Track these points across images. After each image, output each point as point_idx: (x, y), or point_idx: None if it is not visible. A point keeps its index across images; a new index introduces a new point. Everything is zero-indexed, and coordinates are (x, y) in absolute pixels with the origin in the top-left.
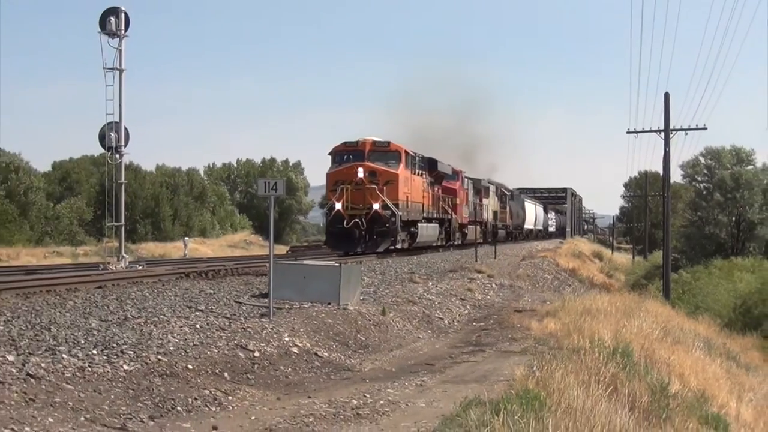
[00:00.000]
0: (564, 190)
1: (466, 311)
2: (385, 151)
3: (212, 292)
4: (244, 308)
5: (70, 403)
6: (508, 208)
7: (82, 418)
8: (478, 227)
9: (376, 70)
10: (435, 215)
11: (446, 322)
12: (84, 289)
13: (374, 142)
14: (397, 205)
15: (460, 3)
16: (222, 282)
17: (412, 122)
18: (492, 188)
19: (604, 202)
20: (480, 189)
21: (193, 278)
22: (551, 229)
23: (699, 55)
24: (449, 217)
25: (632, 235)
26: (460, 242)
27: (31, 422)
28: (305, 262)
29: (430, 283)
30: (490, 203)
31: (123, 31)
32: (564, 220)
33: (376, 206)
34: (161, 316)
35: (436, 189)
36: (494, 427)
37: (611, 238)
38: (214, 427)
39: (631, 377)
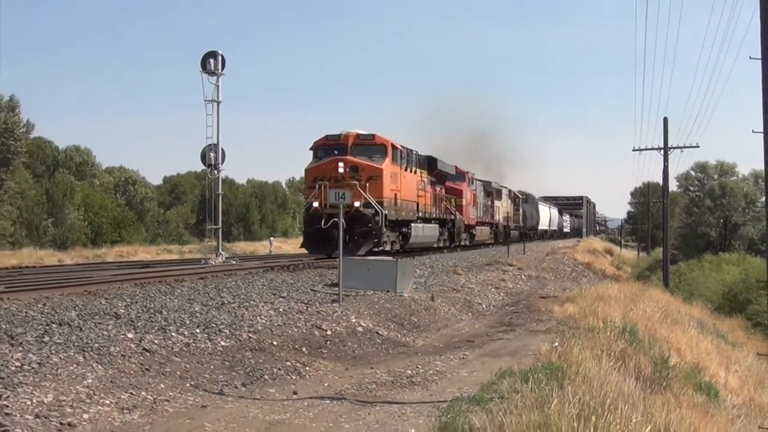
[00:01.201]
0: (581, 198)
1: (500, 297)
2: (369, 145)
3: (293, 282)
4: (318, 295)
5: (178, 372)
6: (521, 210)
7: (188, 385)
8: (489, 228)
9: (405, 95)
10: (435, 215)
11: (484, 306)
12: (189, 279)
13: (358, 135)
14: (381, 203)
15: (482, 43)
16: (300, 274)
17: (439, 141)
18: (504, 191)
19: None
20: (491, 191)
21: (277, 271)
22: (566, 229)
23: (693, 84)
24: (453, 217)
25: (637, 234)
26: (467, 243)
27: (146, 387)
28: (368, 257)
29: (471, 275)
30: (503, 205)
31: (220, 70)
32: (581, 223)
33: (357, 204)
34: (251, 302)
35: (437, 189)
36: (524, 393)
37: (620, 238)
38: (295, 392)
39: (637, 352)
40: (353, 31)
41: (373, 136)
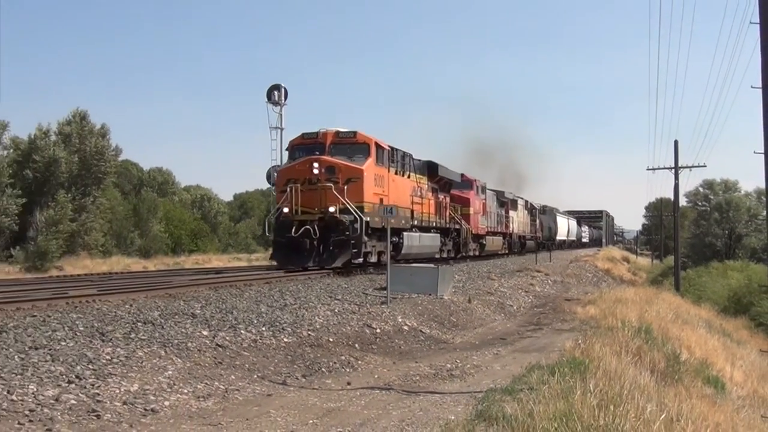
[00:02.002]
0: (601, 212)
1: (529, 300)
2: (350, 144)
3: (346, 286)
4: (369, 298)
5: (247, 365)
6: (538, 221)
7: (255, 376)
8: (501, 238)
9: (434, 117)
10: (436, 224)
11: (515, 308)
12: (256, 284)
13: (337, 133)
14: (361, 209)
15: (510, 71)
16: (353, 279)
17: (464, 158)
18: (521, 202)
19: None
20: (505, 201)
21: (332, 276)
22: (584, 240)
23: (701, 108)
24: (458, 226)
25: (651, 244)
26: (476, 253)
27: (219, 378)
28: (412, 264)
29: (503, 280)
30: (518, 216)
31: (283, 101)
32: (600, 234)
33: (332, 209)
34: (310, 303)
35: (440, 196)
36: (551, 384)
37: (636, 247)
38: (348, 383)
39: (651, 348)
40: (400, 62)
41: (355, 133)
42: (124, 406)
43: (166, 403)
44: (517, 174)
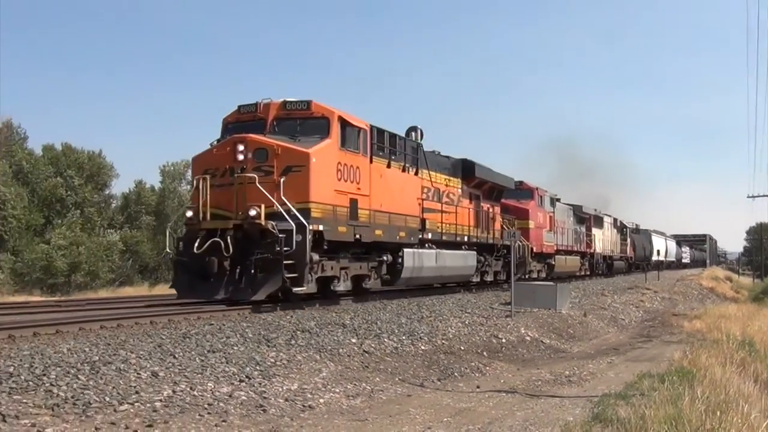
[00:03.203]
0: (704, 236)
1: (639, 314)
2: (303, 118)
3: (475, 301)
4: (495, 311)
5: (389, 369)
6: (629, 240)
7: (396, 379)
8: (578, 257)
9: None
10: (472, 238)
11: (626, 321)
12: (396, 299)
13: (285, 104)
14: (307, 211)
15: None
16: (481, 294)
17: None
18: (608, 219)
19: (732, 241)
20: (586, 217)
21: (463, 292)
22: (685, 260)
23: None
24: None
25: (752, 264)
26: (542, 274)
27: (365, 380)
28: (533, 282)
29: (615, 296)
30: (604, 234)
31: (420, 139)
32: (704, 255)
33: (252, 213)
34: (443, 316)
35: (483, 205)
36: (661, 391)
37: (738, 267)
38: (478, 386)
39: (754, 360)
40: (516, 106)
41: (308, 103)
42: (286, 402)
43: (321, 400)
44: (618, 201)
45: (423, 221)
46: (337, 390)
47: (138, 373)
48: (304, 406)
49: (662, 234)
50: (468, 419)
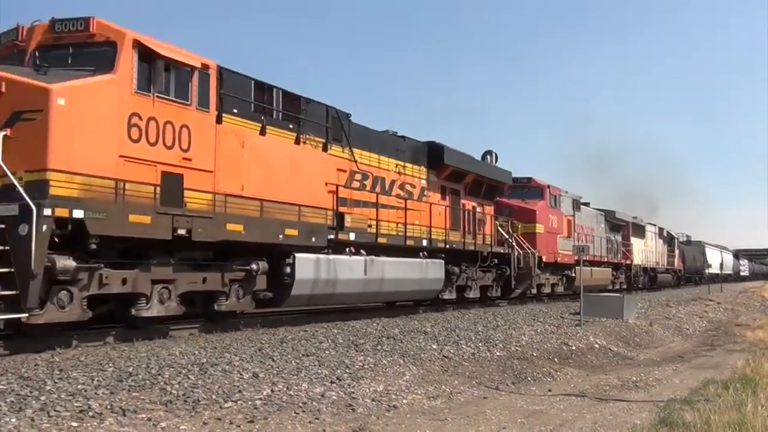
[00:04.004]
0: (766, 250)
1: (703, 324)
2: (80, 44)
3: (546, 311)
4: (565, 320)
5: (467, 373)
6: (678, 251)
7: (473, 382)
8: (610, 269)
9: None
10: (439, 243)
11: (690, 331)
12: (474, 308)
13: (54, 25)
14: (43, 185)
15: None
16: (552, 305)
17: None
18: (651, 229)
19: None
20: (622, 225)
21: (536, 302)
22: (743, 273)
23: None
24: (508, 252)
25: None
26: (558, 288)
27: (445, 383)
28: (601, 294)
29: (679, 307)
30: (647, 244)
31: (495, 161)
32: (764, 269)
33: None
34: (517, 324)
35: (462, 202)
36: (724, 397)
37: None
38: (549, 390)
39: None
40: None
41: (85, 21)
42: (373, 402)
43: (405, 401)
44: (674, 217)
45: (339, 216)
46: (419, 392)
47: (241, 374)
48: (389, 406)
49: (717, 246)
50: (540, 421)
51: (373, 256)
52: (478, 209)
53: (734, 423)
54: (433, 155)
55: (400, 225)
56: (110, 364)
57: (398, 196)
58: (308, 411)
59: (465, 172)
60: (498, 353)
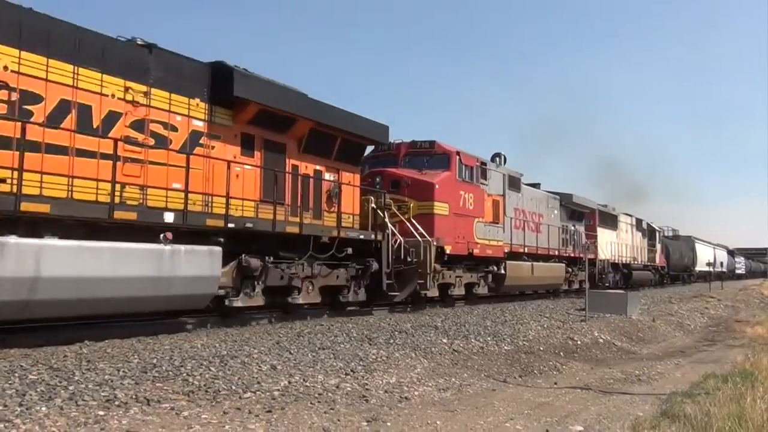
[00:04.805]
0: (765, 249)
1: (704, 320)
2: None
3: (553, 307)
4: (570, 316)
5: (476, 366)
6: (660, 246)
7: (482, 375)
8: (563, 266)
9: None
10: (209, 217)
11: (692, 326)
12: (483, 305)
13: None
14: None
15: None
16: (558, 301)
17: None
18: (627, 219)
19: None
20: (586, 213)
21: (542, 299)
22: (739, 271)
23: None
24: (377, 239)
25: None
26: (482, 290)
27: (455, 375)
28: (606, 291)
29: (681, 304)
30: (621, 237)
31: (503, 164)
32: (761, 267)
33: None
34: (524, 320)
35: (285, 161)
36: (724, 390)
37: None
38: (555, 383)
39: None
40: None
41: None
42: (385, 393)
43: (416, 392)
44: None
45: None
46: (430, 384)
47: (259, 366)
48: (401, 397)
49: (710, 243)
50: (546, 412)
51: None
52: (328, 176)
53: (733, 415)
54: (220, 84)
55: (115, 186)
56: (135, 356)
57: (128, 140)
58: (323, 402)
59: (290, 116)
60: (506, 347)
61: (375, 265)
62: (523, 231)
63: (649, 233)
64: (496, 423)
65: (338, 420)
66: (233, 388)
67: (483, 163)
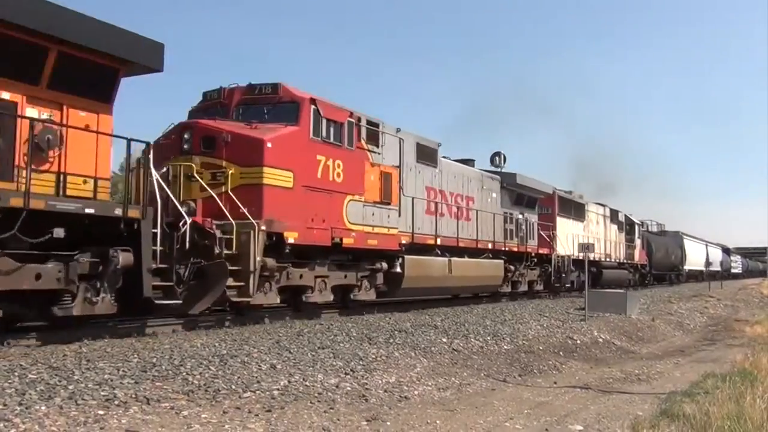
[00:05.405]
0: (765, 248)
1: (704, 320)
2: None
3: (552, 306)
4: (570, 315)
5: (475, 366)
6: (640, 242)
7: (482, 374)
8: (500, 262)
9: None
10: None
11: (691, 326)
12: (483, 304)
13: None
14: None
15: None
16: (558, 301)
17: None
18: (598, 210)
19: None
20: (540, 199)
21: (540, 298)
22: (736, 270)
23: None
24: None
25: None
26: (374, 294)
27: (454, 375)
28: (606, 290)
29: (681, 303)
30: (589, 229)
31: (503, 163)
32: (758, 266)
33: None
34: (524, 319)
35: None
36: (723, 389)
37: None
38: (555, 382)
39: None
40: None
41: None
42: (385, 393)
43: (416, 392)
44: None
45: None
46: (430, 383)
47: (259, 366)
48: (400, 396)
49: (702, 240)
50: (546, 411)
51: None
52: (34, 112)
53: (733, 415)
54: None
55: None
56: (135, 355)
57: None
58: (323, 401)
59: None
60: (505, 347)
61: (122, 258)
62: (437, 217)
63: (627, 227)
64: (496, 422)
65: (338, 419)
66: (233, 387)
67: (368, 122)
